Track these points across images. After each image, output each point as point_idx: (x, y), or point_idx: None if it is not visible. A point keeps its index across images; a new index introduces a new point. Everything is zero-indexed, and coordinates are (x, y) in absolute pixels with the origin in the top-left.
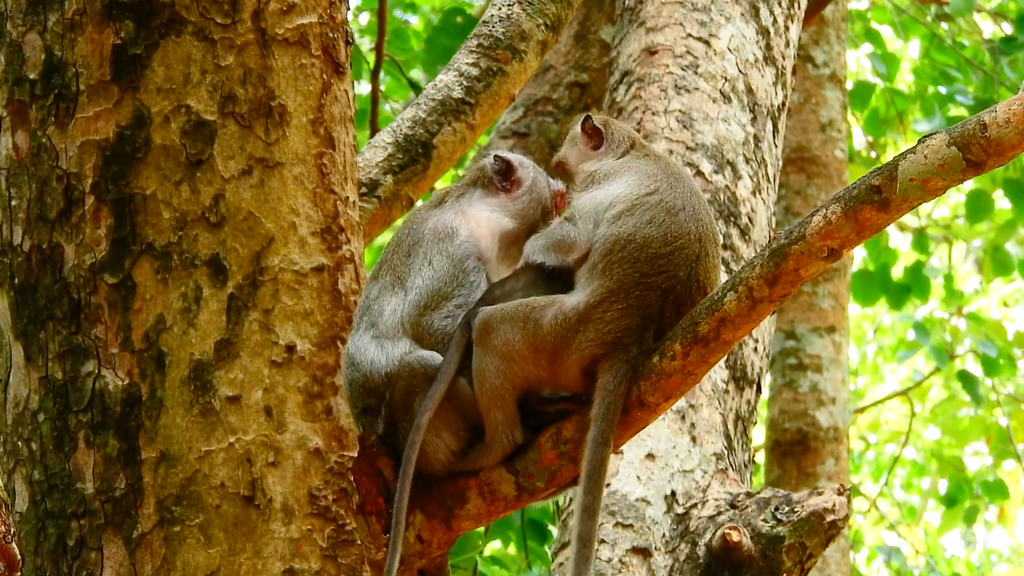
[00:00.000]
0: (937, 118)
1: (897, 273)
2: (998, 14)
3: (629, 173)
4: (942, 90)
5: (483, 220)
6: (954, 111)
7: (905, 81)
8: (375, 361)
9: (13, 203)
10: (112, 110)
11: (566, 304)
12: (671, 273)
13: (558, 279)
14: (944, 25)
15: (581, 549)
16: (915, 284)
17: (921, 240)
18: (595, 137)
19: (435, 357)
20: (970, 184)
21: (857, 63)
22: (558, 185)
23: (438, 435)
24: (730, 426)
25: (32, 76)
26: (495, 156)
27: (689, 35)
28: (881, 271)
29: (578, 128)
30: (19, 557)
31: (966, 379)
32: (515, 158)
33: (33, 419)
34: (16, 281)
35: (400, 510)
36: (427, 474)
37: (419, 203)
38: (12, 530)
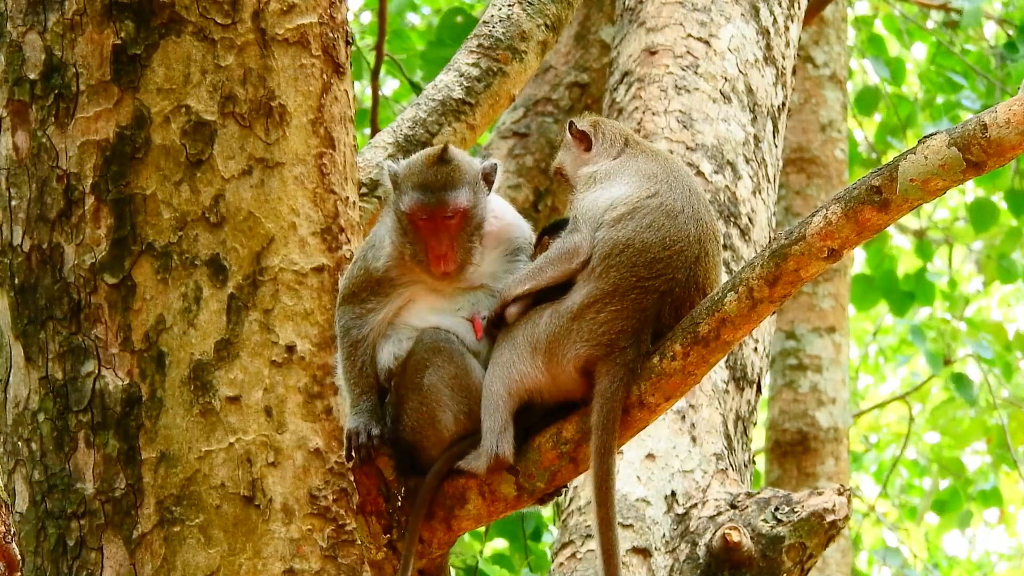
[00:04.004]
0: (944, 124)
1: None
2: (1005, 21)
3: (628, 173)
4: (945, 97)
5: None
6: (962, 117)
7: (908, 83)
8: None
9: (13, 203)
10: (112, 110)
11: (561, 305)
12: (669, 276)
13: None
14: (946, 30)
15: (607, 560)
16: (919, 290)
17: (923, 246)
18: (584, 140)
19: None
20: (969, 185)
21: (860, 67)
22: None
23: (442, 409)
24: (730, 426)
25: (32, 76)
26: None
27: (689, 35)
28: (885, 277)
29: (567, 134)
30: (19, 557)
31: (961, 382)
32: (387, 167)
33: (33, 419)
34: (16, 281)
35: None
36: (419, 451)
37: None
38: (12, 530)
